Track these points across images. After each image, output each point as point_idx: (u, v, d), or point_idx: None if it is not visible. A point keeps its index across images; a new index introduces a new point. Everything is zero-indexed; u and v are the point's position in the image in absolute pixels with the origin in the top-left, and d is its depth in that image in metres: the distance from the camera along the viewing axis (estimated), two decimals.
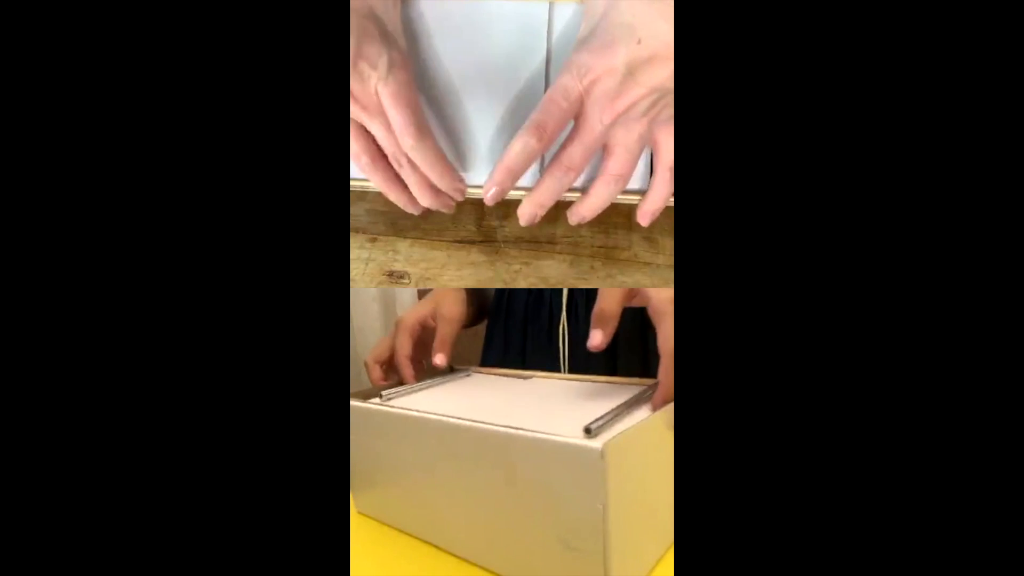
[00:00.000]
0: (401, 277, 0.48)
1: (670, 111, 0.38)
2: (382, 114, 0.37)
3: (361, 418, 0.40)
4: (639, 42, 0.34)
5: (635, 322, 0.57)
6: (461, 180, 0.41)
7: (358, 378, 1.33)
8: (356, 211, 0.52)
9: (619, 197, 0.42)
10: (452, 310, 0.53)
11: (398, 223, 0.51)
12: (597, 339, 0.38)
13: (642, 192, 0.44)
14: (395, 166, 0.41)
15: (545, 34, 0.41)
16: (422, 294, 1.28)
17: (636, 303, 0.40)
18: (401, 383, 0.50)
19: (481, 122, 0.44)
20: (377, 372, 0.52)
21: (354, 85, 0.36)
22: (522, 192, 0.42)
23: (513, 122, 0.44)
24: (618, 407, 0.34)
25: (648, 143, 0.40)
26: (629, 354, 0.58)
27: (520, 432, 0.30)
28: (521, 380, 0.50)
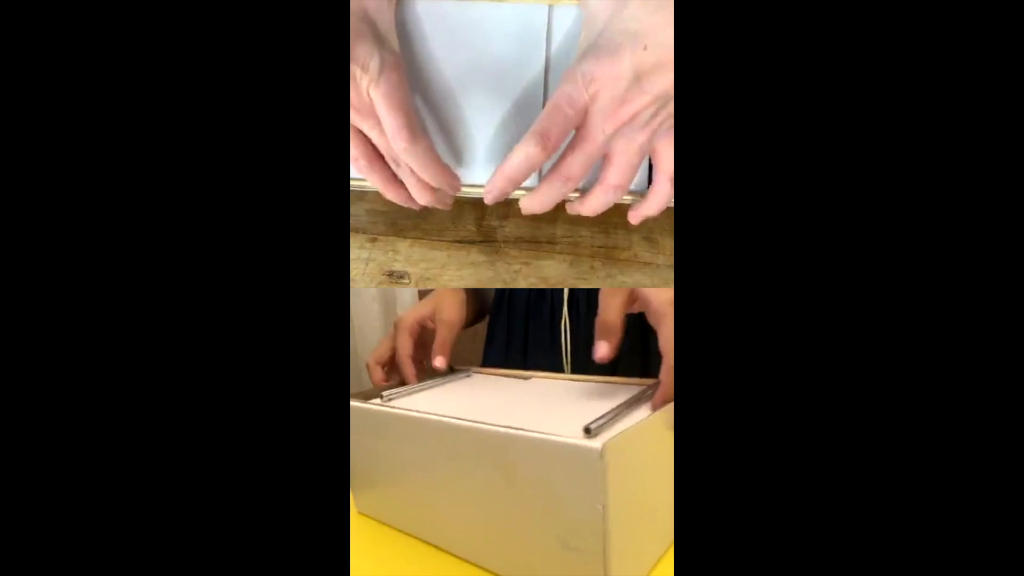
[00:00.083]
0: (401, 277, 0.48)
1: (672, 120, 0.38)
2: (375, 116, 0.37)
3: (361, 418, 0.40)
4: (645, 49, 0.34)
5: (636, 323, 0.57)
6: (455, 178, 0.41)
7: (358, 378, 1.33)
8: (356, 211, 0.52)
9: None
10: (452, 314, 0.53)
11: (398, 223, 0.51)
12: (603, 350, 0.38)
13: (640, 193, 0.44)
14: (392, 166, 0.41)
15: (544, 37, 0.41)
16: (422, 294, 1.28)
17: (636, 308, 0.40)
18: (403, 383, 0.50)
19: (479, 123, 0.44)
20: (379, 373, 0.52)
21: None
22: (522, 192, 0.42)
23: (511, 123, 0.44)
24: (618, 407, 0.34)
25: (648, 152, 0.40)
26: (630, 354, 0.58)
27: (520, 432, 0.30)
28: (521, 380, 0.50)
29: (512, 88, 0.42)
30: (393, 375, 0.53)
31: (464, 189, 0.45)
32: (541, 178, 0.41)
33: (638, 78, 0.35)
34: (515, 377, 0.52)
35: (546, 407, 0.39)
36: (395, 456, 0.39)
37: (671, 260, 0.50)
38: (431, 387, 0.48)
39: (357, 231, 0.51)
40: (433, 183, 0.40)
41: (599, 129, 0.37)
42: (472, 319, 0.65)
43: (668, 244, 0.51)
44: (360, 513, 0.44)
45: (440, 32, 0.41)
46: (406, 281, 0.48)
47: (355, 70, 0.35)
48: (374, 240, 0.50)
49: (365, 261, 0.49)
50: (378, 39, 0.36)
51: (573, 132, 0.38)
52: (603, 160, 0.40)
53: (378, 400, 0.42)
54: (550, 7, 0.40)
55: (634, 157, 0.39)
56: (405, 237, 0.51)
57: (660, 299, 0.37)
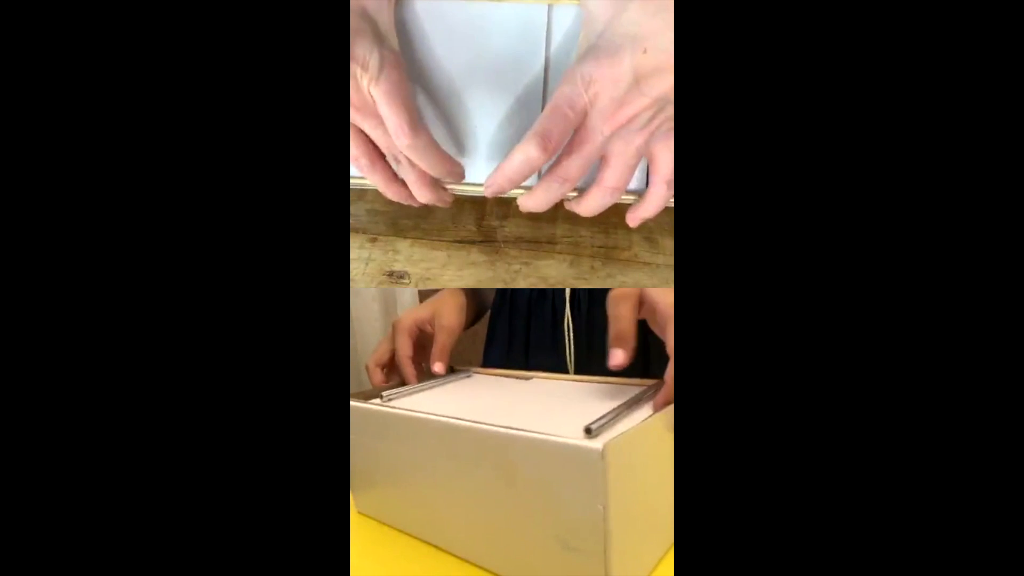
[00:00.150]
0: (401, 277, 0.48)
1: (670, 123, 0.38)
2: (376, 115, 0.37)
3: (361, 419, 0.40)
4: (645, 52, 0.34)
5: (639, 326, 0.57)
6: (460, 166, 0.41)
7: (358, 379, 1.33)
8: (356, 211, 0.52)
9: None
10: (451, 320, 0.53)
11: (398, 223, 0.51)
12: (619, 358, 0.38)
13: (639, 192, 0.44)
14: (392, 164, 0.41)
15: (544, 36, 0.41)
16: (423, 294, 1.28)
17: (642, 315, 0.40)
18: (403, 384, 0.50)
19: (479, 120, 0.44)
20: (378, 375, 0.52)
21: None
22: (521, 191, 0.42)
23: (511, 121, 0.44)
24: (618, 407, 0.34)
25: (645, 155, 0.40)
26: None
27: (520, 432, 0.30)
28: (521, 380, 0.50)
29: (512, 86, 0.42)
30: (393, 377, 0.53)
31: (464, 187, 0.45)
32: (540, 177, 0.41)
33: (637, 81, 0.35)
34: (515, 377, 0.52)
35: (547, 407, 0.39)
36: (395, 456, 0.39)
37: (671, 260, 0.50)
38: (431, 387, 0.48)
39: (357, 231, 0.51)
40: (438, 173, 0.40)
41: (598, 131, 0.37)
42: (471, 321, 0.65)
43: (668, 244, 0.51)
44: (360, 513, 0.44)
45: (440, 30, 0.41)
46: (406, 281, 0.48)
47: (355, 69, 0.35)
48: (374, 240, 0.50)
49: (365, 261, 0.49)
50: (378, 37, 0.36)
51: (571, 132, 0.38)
52: (601, 161, 0.40)
53: (378, 400, 0.42)
54: (550, 6, 0.40)
55: (631, 159, 0.39)
56: (405, 237, 0.51)
57: (667, 302, 0.37)
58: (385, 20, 0.38)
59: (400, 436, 0.38)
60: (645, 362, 0.58)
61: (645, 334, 0.40)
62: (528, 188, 0.42)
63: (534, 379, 0.50)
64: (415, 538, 0.39)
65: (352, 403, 0.41)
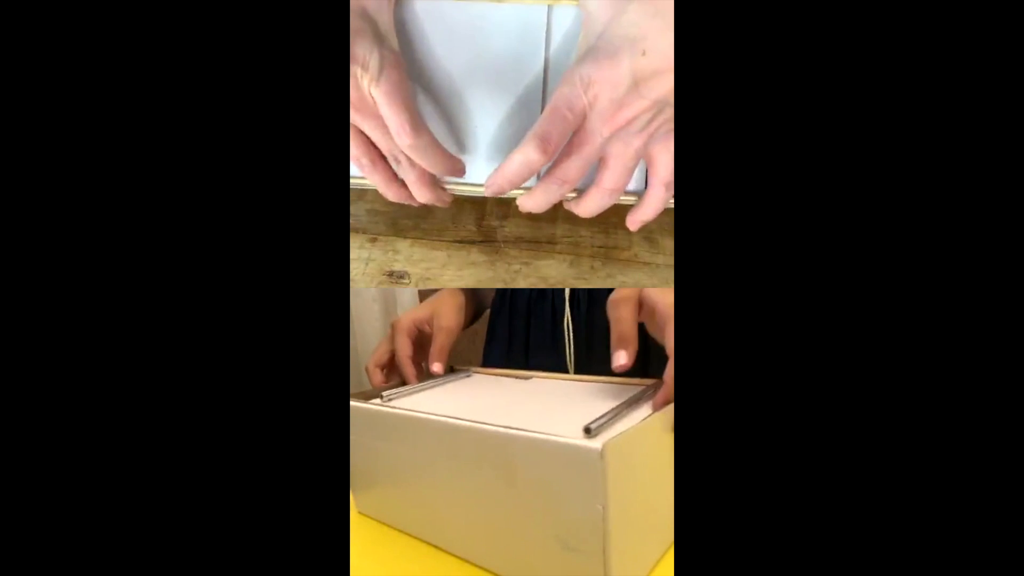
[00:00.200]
0: (401, 277, 0.48)
1: (669, 125, 0.38)
2: (377, 115, 0.37)
3: (361, 418, 0.41)
4: (644, 54, 0.34)
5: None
6: (461, 163, 0.41)
7: (358, 379, 1.33)
8: (356, 211, 0.52)
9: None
10: (450, 321, 0.53)
11: (398, 223, 0.51)
12: (623, 360, 0.38)
13: (638, 193, 0.44)
14: (392, 164, 0.41)
15: (544, 37, 0.41)
16: (423, 294, 1.28)
17: (641, 317, 0.40)
18: (403, 384, 0.50)
19: (479, 121, 0.44)
20: (378, 376, 0.52)
21: None
22: (520, 191, 0.42)
23: (511, 121, 0.44)
24: (618, 407, 0.34)
25: (644, 156, 0.40)
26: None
27: (520, 432, 0.30)
28: (521, 380, 0.50)
29: (512, 86, 0.43)
30: (392, 377, 0.53)
31: (464, 187, 0.45)
32: (539, 179, 0.41)
33: (636, 83, 0.35)
34: (515, 377, 0.52)
35: (546, 407, 0.39)
36: (395, 456, 0.39)
37: (671, 260, 0.50)
38: (431, 387, 0.48)
39: (357, 231, 0.51)
40: (440, 171, 0.40)
41: (597, 132, 0.37)
42: (469, 321, 0.65)
43: (668, 244, 0.51)
44: (360, 513, 0.44)
45: (440, 31, 0.41)
46: (406, 281, 0.48)
47: (355, 69, 0.35)
48: (374, 240, 0.50)
49: (365, 261, 0.49)
50: (378, 38, 0.36)
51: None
52: (599, 163, 0.40)
53: (378, 400, 0.42)
54: (549, 7, 0.40)
55: (630, 161, 0.39)
56: (405, 237, 0.51)
57: (666, 302, 0.37)
58: (385, 20, 0.38)
59: (400, 436, 0.38)
60: (645, 362, 0.58)
61: (645, 335, 0.40)
62: (528, 189, 0.42)
63: (534, 379, 0.50)
64: (415, 538, 0.39)
65: (352, 403, 0.41)
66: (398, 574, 0.36)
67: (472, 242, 0.51)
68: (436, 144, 0.39)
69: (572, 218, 0.45)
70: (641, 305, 0.39)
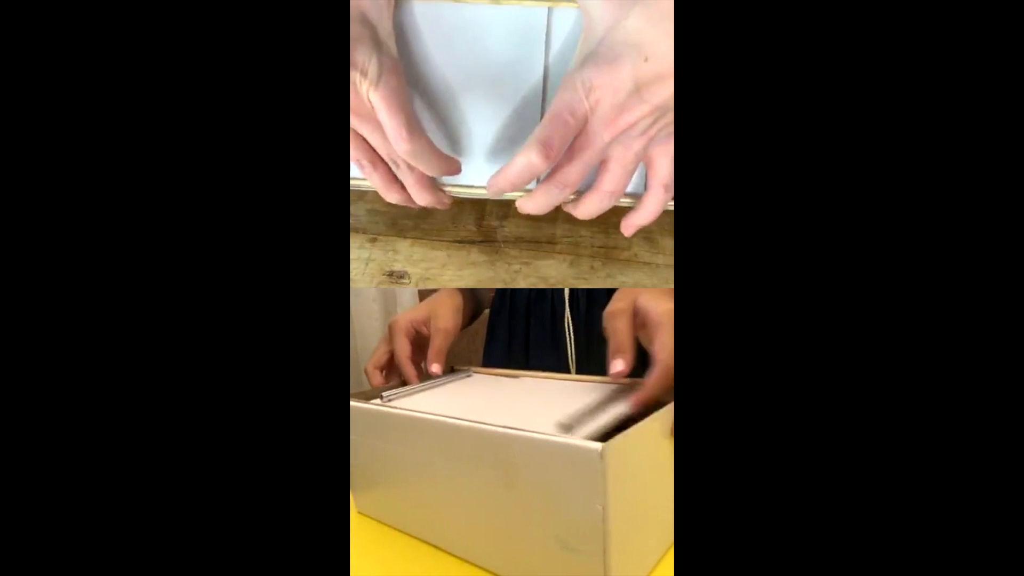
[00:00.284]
0: (401, 277, 0.48)
1: (669, 129, 0.38)
2: (375, 120, 0.38)
3: (361, 419, 0.40)
4: (646, 60, 0.35)
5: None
6: (456, 161, 0.42)
7: (358, 379, 1.33)
8: (356, 211, 0.52)
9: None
10: (447, 322, 0.53)
11: (398, 223, 0.51)
12: (620, 367, 0.39)
13: (637, 196, 0.44)
14: (392, 168, 0.41)
15: (543, 39, 0.41)
16: (423, 294, 1.28)
17: (636, 327, 0.40)
18: (403, 384, 0.50)
19: (478, 122, 0.44)
20: (378, 377, 0.52)
21: None
22: (520, 193, 0.42)
23: (511, 123, 0.44)
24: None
25: (643, 159, 0.40)
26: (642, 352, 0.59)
27: (520, 433, 0.30)
28: (522, 380, 0.50)
29: (511, 88, 0.43)
30: (392, 379, 0.53)
31: (464, 189, 0.45)
32: (539, 181, 0.41)
33: (638, 88, 0.35)
34: (516, 377, 0.52)
35: (547, 407, 0.39)
36: (395, 456, 0.39)
37: (671, 260, 0.50)
38: (431, 387, 0.48)
39: (357, 231, 0.51)
40: (437, 173, 0.41)
41: (598, 137, 0.37)
42: (467, 322, 0.65)
43: (668, 244, 0.51)
44: (360, 513, 0.44)
45: (440, 32, 0.41)
46: (406, 281, 0.48)
47: (354, 75, 0.36)
48: (374, 240, 0.50)
49: (365, 261, 0.49)
50: (377, 43, 0.37)
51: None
52: (599, 165, 0.40)
53: (378, 400, 0.42)
54: (549, 9, 0.40)
55: (630, 164, 0.39)
56: (405, 237, 0.51)
57: (659, 310, 0.38)
58: (385, 26, 0.38)
59: (400, 436, 0.38)
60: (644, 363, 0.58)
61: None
62: (528, 191, 0.42)
63: (534, 379, 0.50)
64: (415, 538, 0.39)
65: (352, 403, 0.41)
66: (398, 574, 0.36)
67: (472, 242, 0.51)
68: (432, 148, 0.39)
69: (572, 218, 0.45)
70: (635, 315, 0.40)
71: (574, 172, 0.38)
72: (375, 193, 0.44)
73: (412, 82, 0.42)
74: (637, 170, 0.41)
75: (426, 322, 0.54)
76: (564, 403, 0.39)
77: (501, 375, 0.53)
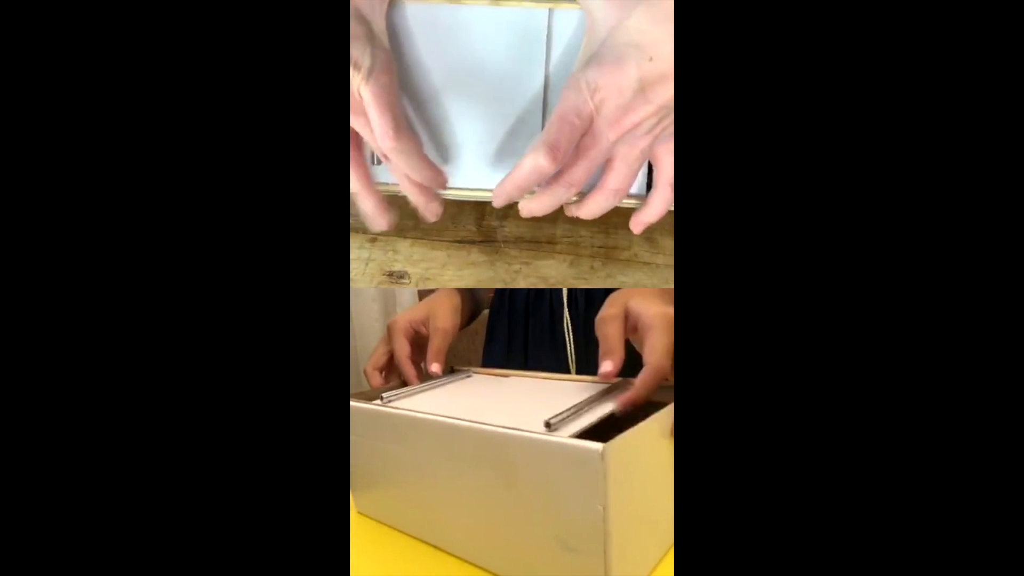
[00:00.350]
0: (401, 277, 0.48)
1: (673, 128, 0.39)
2: (364, 114, 0.38)
3: (362, 419, 0.40)
4: (651, 60, 0.35)
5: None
6: (442, 174, 0.42)
7: (358, 379, 1.33)
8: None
9: None
10: (446, 321, 0.53)
11: (398, 223, 0.51)
12: (608, 367, 0.39)
13: (640, 197, 0.44)
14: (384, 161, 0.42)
15: (544, 40, 0.41)
16: (422, 294, 1.28)
17: (628, 332, 0.40)
18: (403, 385, 0.50)
19: (478, 125, 0.44)
20: (377, 378, 0.52)
21: None
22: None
23: (511, 125, 0.44)
24: (581, 403, 0.35)
25: (649, 158, 0.41)
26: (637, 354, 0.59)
27: (520, 433, 0.30)
28: (522, 381, 0.50)
29: (512, 90, 0.43)
30: (391, 379, 0.53)
31: (463, 191, 0.45)
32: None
33: (643, 88, 0.36)
34: (516, 377, 0.52)
35: (546, 408, 0.39)
36: (395, 456, 0.39)
37: (671, 260, 0.50)
38: (431, 388, 0.48)
39: (357, 231, 0.51)
40: (420, 180, 0.41)
41: (604, 137, 0.37)
42: (466, 322, 0.65)
43: (668, 244, 0.51)
44: (360, 513, 0.44)
45: (440, 34, 0.41)
46: (406, 281, 0.48)
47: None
48: (374, 240, 0.50)
49: (365, 261, 0.49)
50: (371, 39, 0.37)
51: None
52: (604, 165, 0.40)
53: (378, 400, 0.42)
54: (550, 10, 0.40)
55: (635, 163, 0.40)
56: (405, 237, 0.51)
57: (650, 313, 0.38)
58: (379, 23, 0.38)
59: (400, 436, 0.38)
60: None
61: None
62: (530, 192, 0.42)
63: (535, 379, 0.50)
64: (415, 538, 0.39)
65: (352, 403, 0.41)
66: (398, 574, 0.36)
67: (472, 242, 0.51)
68: (418, 151, 0.39)
69: (572, 218, 0.46)
70: (627, 318, 0.40)
71: (580, 172, 0.39)
72: None
73: (413, 83, 0.42)
74: (640, 170, 0.42)
75: (425, 322, 0.54)
76: (563, 403, 0.39)
77: (501, 375, 0.53)
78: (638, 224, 0.45)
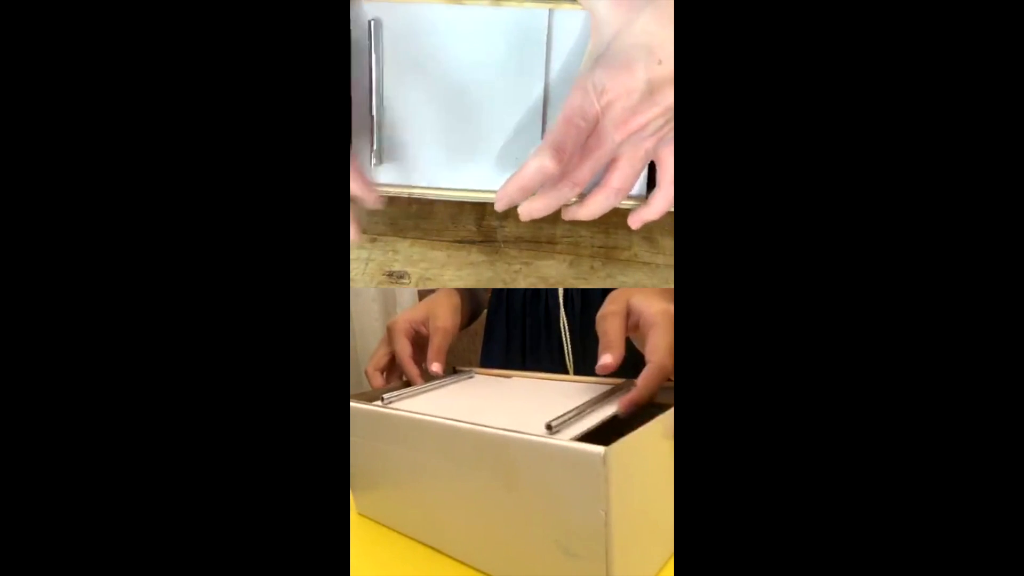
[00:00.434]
0: (401, 277, 0.48)
1: None
2: None
3: (362, 420, 0.40)
4: (660, 63, 0.35)
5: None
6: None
7: (358, 379, 1.33)
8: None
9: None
10: (446, 321, 0.53)
11: (398, 223, 0.51)
12: (607, 360, 0.38)
13: (640, 198, 0.44)
14: None
15: (544, 40, 0.41)
16: (422, 294, 1.28)
17: (629, 329, 0.40)
18: (405, 385, 0.49)
19: (478, 126, 0.44)
20: (378, 379, 0.52)
21: None
22: None
23: (511, 126, 0.43)
24: (583, 404, 0.35)
25: (653, 158, 0.41)
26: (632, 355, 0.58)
27: (521, 435, 0.30)
28: (523, 381, 0.50)
29: (512, 91, 0.42)
30: (392, 380, 0.53)
31: (464, 192, 0.45)
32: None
33: (651, 91, 0.36)
34: (518, 378, 0.51)
35: (549, 409, 0.38)
36: (395, 458, 0.39)
37: (671, 260, 0.50)
38: (432, 389, 0.48)
39: None
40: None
41: (609, 137, 0.37)
42: (466, 322, 0.65)
43: (668, 244, 0.51)
44: (360, 515, 0.44)
45: (440, 35, 0.41)
46: (406, 281, 0.48)
47: None
48: (374, 240, 0.50)
49: (365, 261, 0.49)
50: None
51: None
52: (608, 164, 0.40)
53: (379, 402, 0.42)
54: (550, 11, 0.40)
55: (638, 163, 0.40)
56: (405, 237, 0.50)
57: (652, 311, 0.38)
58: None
59: (400, 438, 0.38)
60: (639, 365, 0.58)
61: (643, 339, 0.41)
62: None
63: (535, 380, 0.50)
64: (415, 540, 0.39)
65: (352, 404, 0.41)
66: None
67: (472, 242, 0.50)
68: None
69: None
70: (628, 315, 0.40)
71: (585, 171, 0.39)
72: None
73: (413, 84, 0.42)
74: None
75: (425, 322, 0.53)
76: (564, 405, 0.39)
77: (503, 376, 0.53)
78: (637, 220, 0.44)
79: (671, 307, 0.38)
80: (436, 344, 0.51)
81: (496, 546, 0.33)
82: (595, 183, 0.41)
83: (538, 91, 0.42)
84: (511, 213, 0.51)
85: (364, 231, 0.51)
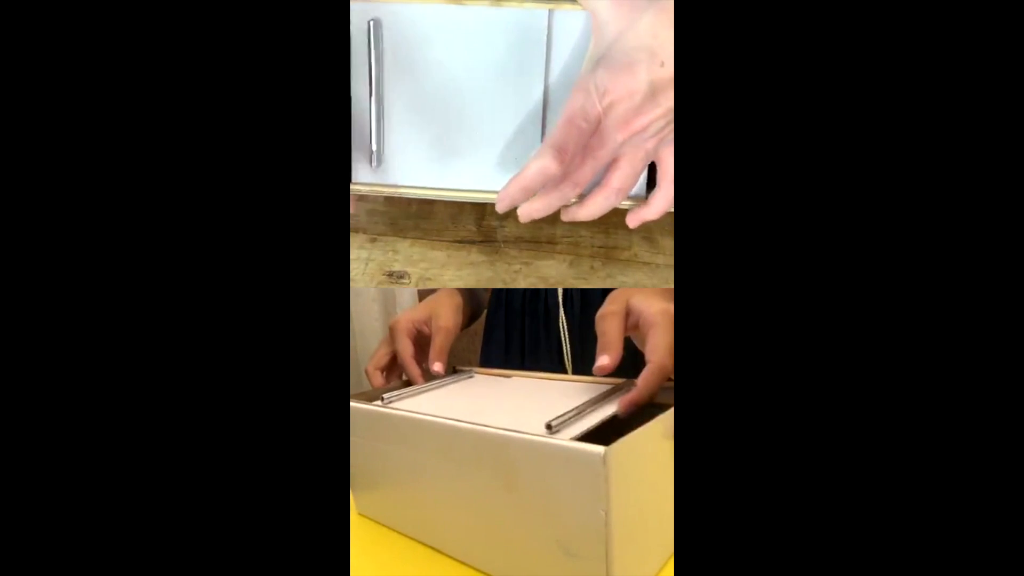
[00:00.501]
0: (401, 277, 0.48)
1: None
2: None
3: (362, 420, 0.40)
4: (662, 65, 0.35)
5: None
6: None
7: (358, 379, 1.33)
8: (356, 211, 0.52)
9: None
10: (448, 321, 0.53)
11: (398, 223, 0.51)
12: (604, 361, 0.39)
13: (639, 198, 0.44)
14: None
15: (544, 40, 0.41)
16: (422, 294, 1.28)
17: (628, 328, 0.40)
18: (406, 385, 0.49)
19: (478, 126, 0.44)
20: (379, 378, 0.52)
21: None
22: None
23: (511, 126, 0.43)
24: (582, 404, 0.35)
25: (653, 158, 0.41)
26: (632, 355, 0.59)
27: (521, 435, 0.30)
28: (523, 381, 0.50)
29: (512, 91, 0.42)
30: (393, 379, 0.53)
31: (464, 193, 0.45)
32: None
33: (653, 93, 0.36)
34: (518, 378, 0.51)
35: (549, 409, 0.38)
36: (395, 458, 0.39)
37: (671, 260, 0.50)
38: (432, 388, 0.48)
39: (357, 231, 0.51)
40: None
41: (611, 138, 0.38)
42: (468, 322, 0.65)
43: (668, 244, 0.51)
44: (360, 514, 0.44)
45: (439, 35, 0.41)
46: (406, 281, 0.48)
47: None
48: (374, 240, 0.50)
49: (365, 261, 0.49)
50: None
51: None
52: (608, 164, 0.40)
53: (379, 401, 0.42)
54: (550, 11, 0.40)
55: (639, 163, 0.40)
56: (405, 237, 0.50)
57: (652, 311, 0.38)
58: None
59: (400, 437, 0.38)
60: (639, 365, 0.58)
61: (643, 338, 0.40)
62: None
63: (535, 380, 0.50)
64: (415, 540, 0.39)
65: (352, 404, 0.41)
66: None
67: (472, 242, 0.50)
68: None
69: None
70: (628, 315, 0.40)
71: (586, 171, 0.39)
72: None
73: (413, 84, 0.42)
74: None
75: (427, 321, 0.54)
76: (564, 404, 0.39)
77: (503, 376, 0.53)
78: (636, 219, 0.44)
79: (671, 307, 0.38)
80: (438, 344, 0.51)
81: (496, 546, 0.33)
82: (595, 183, 0.41)
83: (538, 91, 0.42)
84: (511, 213, 0.51)
85: (364, 231, 0.51)
